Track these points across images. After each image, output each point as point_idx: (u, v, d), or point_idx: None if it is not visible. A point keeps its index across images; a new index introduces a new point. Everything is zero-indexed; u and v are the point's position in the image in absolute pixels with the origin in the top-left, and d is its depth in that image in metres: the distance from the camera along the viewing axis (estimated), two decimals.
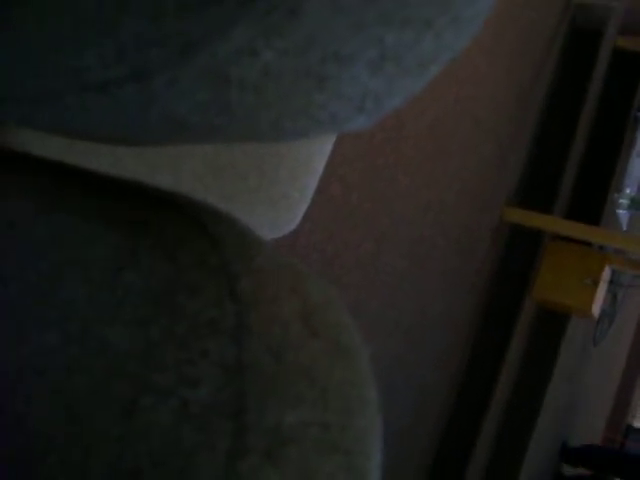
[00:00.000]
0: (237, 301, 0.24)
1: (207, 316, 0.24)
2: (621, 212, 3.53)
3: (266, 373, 0.23)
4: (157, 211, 0.28)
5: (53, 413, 0.25)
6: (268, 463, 0.23)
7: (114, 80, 0.26)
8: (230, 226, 0.27)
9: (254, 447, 0.23)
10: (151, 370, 0.24)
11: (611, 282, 3.59)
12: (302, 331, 0.25)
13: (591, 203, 3.52)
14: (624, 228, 3.67)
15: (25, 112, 0.32)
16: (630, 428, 6.62)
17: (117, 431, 0.23)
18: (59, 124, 0.33)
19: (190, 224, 0.27)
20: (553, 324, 3.58)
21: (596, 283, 3.23)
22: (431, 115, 2.39)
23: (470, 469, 3.25)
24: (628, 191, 3.50)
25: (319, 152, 0.78)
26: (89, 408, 0.24)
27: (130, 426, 0.23)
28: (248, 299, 0.24)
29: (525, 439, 3.58)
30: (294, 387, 0.24)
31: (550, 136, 3.28)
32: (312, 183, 0.79)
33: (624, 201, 3.48)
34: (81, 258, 0.27)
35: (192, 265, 0.25)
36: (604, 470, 4.66)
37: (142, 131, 0.30)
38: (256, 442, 0.23)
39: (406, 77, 0.23)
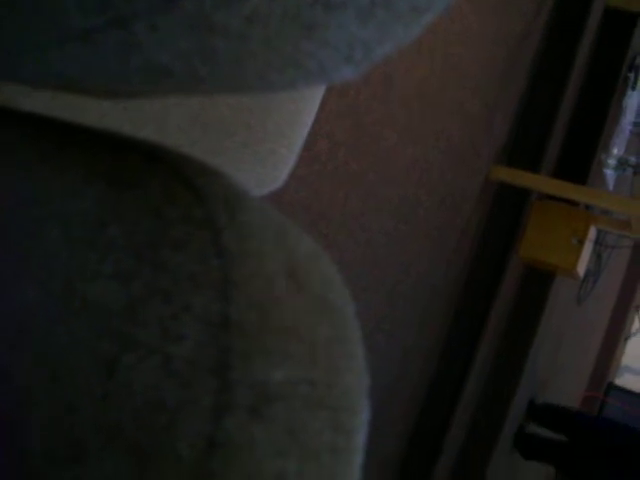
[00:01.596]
0: (222, 255, 0.24)
1: (191, 270, 0.23)
2: (608, 172, 3.53)
3: (251, 329, 0.23)
4: (140, 164, 0.27)
5: (36, 370, 0.24)
6: (254, 420, 0.23)
7: (95, 28, 0.25)
8: (215, 178, 0.26)
9: (239, 404, 0.22)
10: (134, 326, 0.23)
11: (596, 242, 3.61)
12: (288, 286, 0.25)
13: (579, 163, 3.52)
14: (610, 188, 3.68)
15: (3, 64, 0.31)
16: (611, 386, 6.70)
17: (100, 389, 0.23)
18: (39, 76, 0.32)
19: (174, 177, 0.26)
20: (538, 283, 3.60)
21: (582, 243, 3.25)
22: (419, 72, 2.37)
23: (452, 429, 3.29)
24: (616, 151, 3.49)
25: (307, 108, 0.77)
26: (71, 365, 0.23)
27: (113, 384, 0.23)
28: (233, 253, 0.24)
29: (508, 398, 3.63)
30: (280, 344, 0.23)
31: (539, 95, 3.26)
32: (300, 139, 0.78)
33: (611, 161, 3.48)
34: (63, 213, 0.27)
35: (176, 218, 0.24)
36: (560, 431, 4.68)
37: (125, 81, 0.29)
38: (241, 399, 0.22)
39: (397, 24, 0.22)
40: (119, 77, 0.29)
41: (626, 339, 7.37)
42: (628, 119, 3.62)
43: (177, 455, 0.22)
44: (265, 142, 0.73)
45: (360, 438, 0.27)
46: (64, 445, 0.23)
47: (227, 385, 0.22)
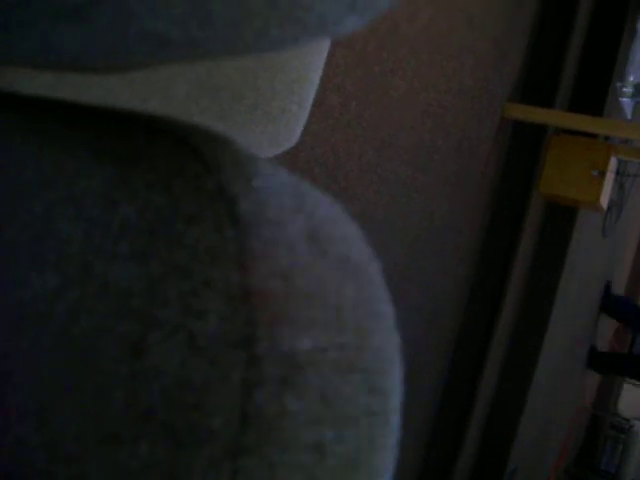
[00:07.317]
0: (237, 225, 0.23)
1: (207, 243, 0.23)
2: (625, 100, 3.47)
3: (275, 298, 0.22)
4: (147, 138, 0.27)
5: (61, 358, 0.24)
6: (286, 390, 0.22)
7: (87, 2, 0.24)
8: (224, 146, 0.26)
9: (269, 376, 0.22)
10: (155, 305, 0.23)
11: (618, 172, 3.56)
12: (309, 251, 0.24)
13: (594, 94, 3.47)
14: (628, 117, 3.62)
15: (1, 46, 0.30)
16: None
17: (126, 372, 0.22)
18: (37, 54, 0.31)
19: (182, 148, 0.25)
20: (561, 219, 3.58)
21: (603, 174, 3.20)
22: (425, 16, 2.33)
23: (487, 364, 3.31)
24: (632, 79, 3.43)
25: (314, 62, 0.76)
26: (96, 350, 0.23)
27: (139, 365, 0.22)
28: (249, 222, 0.23)
29: (540, 331, 3.63)
30: (305, 310, 0.23)
31: (548, 28, 3.20)
32: (309, 95, 0.77)
33: (627, 89, 3.42)
34: (74, 196, 0.26)
35: (187, 192, 0.24)
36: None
37: (123, 54, 0.28)
38: (271, 370, 0.22)
39: None
40: (117, 50, 0.28)
41: None
42: None
43: (211, 432, 0.22)
44: (275, 101, 0.72)
45: (396, 398, 0.26)
46: (96, 430, 0.22)
47: (254, 358, 0.22)
